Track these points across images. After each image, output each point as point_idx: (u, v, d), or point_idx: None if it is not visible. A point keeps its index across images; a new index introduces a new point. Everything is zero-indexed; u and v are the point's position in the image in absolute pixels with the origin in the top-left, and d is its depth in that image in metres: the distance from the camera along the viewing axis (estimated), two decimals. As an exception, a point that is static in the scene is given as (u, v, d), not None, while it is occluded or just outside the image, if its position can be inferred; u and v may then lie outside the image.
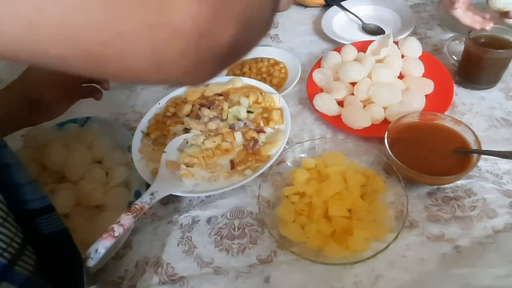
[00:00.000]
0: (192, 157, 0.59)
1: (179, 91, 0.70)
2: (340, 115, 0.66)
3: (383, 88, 0.65)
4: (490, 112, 0.66)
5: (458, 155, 0.56)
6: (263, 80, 0.77)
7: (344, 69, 0.68)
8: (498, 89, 0.70)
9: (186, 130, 0.63)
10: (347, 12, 0.93)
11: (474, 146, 0.55)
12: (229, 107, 0.64)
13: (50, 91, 0.60)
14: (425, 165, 0.54)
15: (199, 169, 0.58)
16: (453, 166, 0.54)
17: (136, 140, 0.63)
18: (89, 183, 0.61)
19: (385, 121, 0.65)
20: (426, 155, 0.56)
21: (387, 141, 0.57)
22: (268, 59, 0.82)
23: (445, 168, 0.54)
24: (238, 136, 0.62)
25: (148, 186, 0.57)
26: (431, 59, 0.74)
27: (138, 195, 0.58)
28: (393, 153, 0.55)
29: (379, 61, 0.72)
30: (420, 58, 0.73)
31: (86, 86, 0.67)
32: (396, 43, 0.75)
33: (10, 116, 0.57)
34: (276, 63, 0.81)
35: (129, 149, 0.65)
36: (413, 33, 0.85)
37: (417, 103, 0.65)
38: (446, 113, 0.64)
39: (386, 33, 0.86)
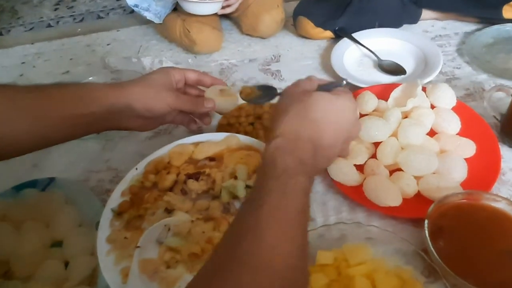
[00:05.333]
0: (175, 253, 0.45)
1: (161, 152, 0.57)
2: (361, 185, 0.53)
3: (416, 155, 0.52)
4: (547, 181, 0.54)
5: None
6: (265, 131, 0.64)
7: (365, 127, 0.55)
8: (552, 150, 0.57)
9: (168, 211, 0.50)
10: (360, 46, 0.81)
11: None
12: (223, 179, 0.51)
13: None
14: (480, 270, 0.41)
15: (184, 271, 0.44)
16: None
17: (105, 223, 0.49)
18: (41, 281, 0.47)
19: (418, 195, 0.52)
20: (481, 255, 0.43)
21: (428, 234, 0.44)
22: (270, 103, 0.68)
23: (508, 275, 0.41)
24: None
25: None
26: (467, 110, 0.61)
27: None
28: (437, 252, 0.42)
29: (405, 113, 0.59)
30: (453, 108, 0.61)
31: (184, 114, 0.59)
32: (423, 89, 0.63)
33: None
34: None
35: (97, 226, 0.52)
36: (439, 74, 0.73)
37: (458, 172, 0.52)
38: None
39: (406, 72, 0.74)
